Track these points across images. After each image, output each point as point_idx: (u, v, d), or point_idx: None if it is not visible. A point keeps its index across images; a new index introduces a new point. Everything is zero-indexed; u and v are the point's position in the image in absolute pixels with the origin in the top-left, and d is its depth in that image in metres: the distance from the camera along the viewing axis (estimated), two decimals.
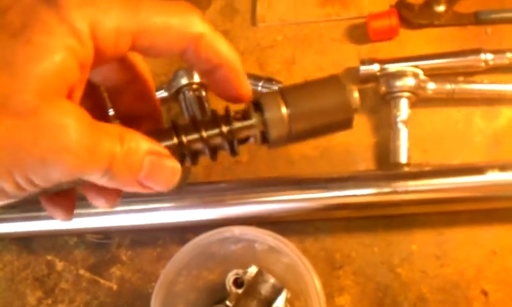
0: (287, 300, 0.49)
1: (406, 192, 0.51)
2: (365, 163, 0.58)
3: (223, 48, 0.31)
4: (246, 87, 0.33)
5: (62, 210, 0.33)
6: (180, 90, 0.59)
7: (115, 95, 0.35)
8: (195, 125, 0.32)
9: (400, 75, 0.56)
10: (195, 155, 0.32)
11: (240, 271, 0.50)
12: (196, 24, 0.30)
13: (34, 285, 0.59)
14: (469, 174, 0.51)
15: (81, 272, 0.59)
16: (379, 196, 0.52)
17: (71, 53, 0.25)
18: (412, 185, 0.51)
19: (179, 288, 0.50)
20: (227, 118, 0.32)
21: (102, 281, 0.58)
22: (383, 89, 0.57)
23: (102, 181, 0.28)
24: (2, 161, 0.25)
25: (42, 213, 0.57)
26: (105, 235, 0.60)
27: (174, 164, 0.30)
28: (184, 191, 0.55)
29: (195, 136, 0.31)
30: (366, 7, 0.65)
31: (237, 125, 0.32)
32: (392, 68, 0.57)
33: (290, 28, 0.67)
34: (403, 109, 0.55)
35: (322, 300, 0.44)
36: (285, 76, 0.64)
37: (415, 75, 0.56)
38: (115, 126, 0.28)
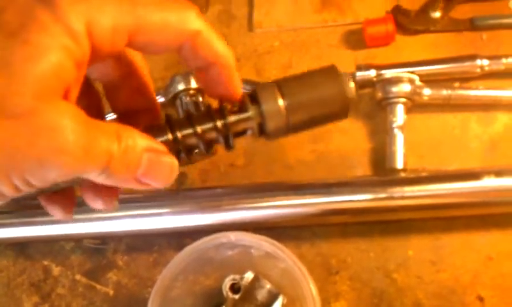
0: (283, 306, 0.49)
1: (402, 197, 0.51)
2: (362, 168, 0.58)
3: (219, 46, 0.31)
4: (238, 86, 0.33)
5: (61, 208, 0.33)
6: (177, 95, 0.60)
7: (112, 91, 0.34)
8: (190, 120, 0.31)
9: (396, 80, 0.56)
10: (190, 151, 0.32)
11: (236, 276, 0.50)
12: (193, 21, 0.30)
13: (30, 290, 0.59)
14: (465, 179, 0.51)
15: (78, 277, 0.59)
16: (375, 202, 0.52)
17: (67, 53, 0.25)
18: (408, 190, 0.51)
19: (175, 293, 0.50)
20: (222, 112, 0.32)
21: (98, 286, 0.58)
22: (379, 94, 0.57)
23: (100, 179, 0.28)
24: None
25: (38, 219, 0.57)
26: (102, 240, 0.60)
27: (172, 161, 0.30)
28: (180, 196, 0.55)
29: (190, 131, 0.31)
30: (362, 14, 0.65)
31: (234, 118, 0.32)
32: (388, 73, 0.58)
33: (287, 34, 0.67)
34: (399, 115, 0.56)
35: (318, 305, 0.45)
36: None
37: (411, 81, 0.56)
38: (112, 124, 0.28)
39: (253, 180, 0.59)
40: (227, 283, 0.50)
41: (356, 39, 0.64)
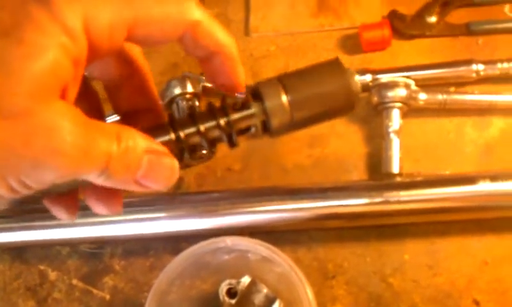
0: None
1: (398, 202, 0.51)
2: (358, 173, 0.58)
3: (220, 35, 0.31)
4: (242, 76, 0.32)
5: (64, 209, 0.32)
6: (173, 100, 0.60)
7: (114, 90, 0.34)
8: (193, 119, 0.31)
9: (392, 85, 0.56)
10: (193, 150, 0.32)
11: (233, 281, 0.50)
12: (193, 11, 0.30)
13: (26, 295, 0.59)
14: (461, 184, 0.51)
15: (74, 281, 0.59)
16: (371, 206, 0.52)
17: (64, 51, 0.25)
18: (404, 195, 0.52)
19: (172, 298, 0.50)
20: (225, 109, 0.31)
21: (94, 290, 0.58)
22: (375, 99, 0.57)
23: (99, 180, 0.27)
24: None
25: (35, 223, 0.56)
26: (98, 245, 0.60)
27: (172, 162, 0.30)
28: (176, 201, 0.55)
29: (193, 130, 0.31)
30: (359, 18, 0.65)
31: (237, 115, 0.31)
32: (384, 78, 0.58)
33: (283, 38, 0.67)
34: (395, 119, 0.56)
35: None
36: None
37: (407, 86, 0.56)
38: (112, 124, 0.28)
39: (249, 185, 0.59)
40: (224, 287, 0.50)
41: (352, 43, 0.65)
